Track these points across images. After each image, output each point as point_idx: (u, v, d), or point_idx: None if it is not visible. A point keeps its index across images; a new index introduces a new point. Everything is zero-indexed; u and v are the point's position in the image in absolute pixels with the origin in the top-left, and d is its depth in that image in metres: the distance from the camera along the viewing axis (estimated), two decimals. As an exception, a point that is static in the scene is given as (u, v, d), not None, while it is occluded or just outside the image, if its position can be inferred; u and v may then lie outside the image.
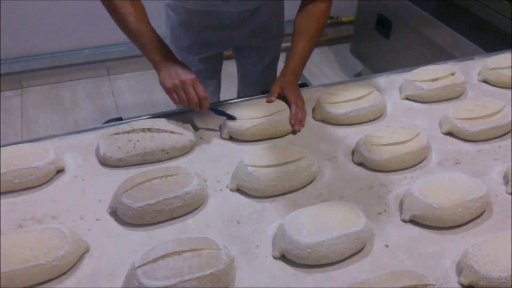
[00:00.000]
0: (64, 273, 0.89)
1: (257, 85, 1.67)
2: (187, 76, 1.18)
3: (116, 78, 3.17)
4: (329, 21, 3.55)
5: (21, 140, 1.18)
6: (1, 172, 1.03)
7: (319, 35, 1.38)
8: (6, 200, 1.04)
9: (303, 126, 1.28)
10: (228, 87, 1.93)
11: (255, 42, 1.59)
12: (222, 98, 1.62)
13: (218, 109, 1.25)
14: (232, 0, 1.36)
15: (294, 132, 1.26)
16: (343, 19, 3.60)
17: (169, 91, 1.19)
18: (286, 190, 1.07)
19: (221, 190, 1.08)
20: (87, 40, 3.06)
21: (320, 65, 3.38)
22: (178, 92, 1.18)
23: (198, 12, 1.44)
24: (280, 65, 1.51)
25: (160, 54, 1.23)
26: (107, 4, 1.23)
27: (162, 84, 1.20)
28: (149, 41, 1.23)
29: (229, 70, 1.77)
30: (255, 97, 1.38)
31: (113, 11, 1.23)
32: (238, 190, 1.08)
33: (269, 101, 1.28)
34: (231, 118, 1.22)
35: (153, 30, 1.25)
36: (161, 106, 2.89)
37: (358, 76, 3.25)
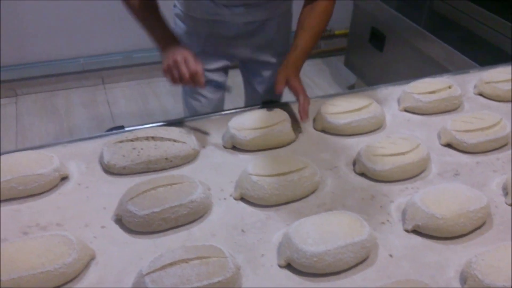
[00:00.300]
0: (71, 280, 0.89)
1: (263, 99, 1.67)
2: (179, 54, 1.18)
3: (111, 87, 3.17)
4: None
5: (16, 148, 1.18)
6: (6, 179, 1.03)
7: (321, 31, 1.40)
8: (11, 207, 1.04)
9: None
10: (236, 96, 1.92)
11: (261, 57, 1.60)
12: (229, 106, 1.62)
13: (215, 81, 1.26)
14: (237, 8, 1.38)
15: (296, 134, 1.28)
16: (336, 32, 3.65)
17: (164, 72, 1.20)
18: (290, 199, 1.08)
19: (225, 198, 1.09)
20: (83, 49, 3.07)
21: (314, 77, 3.42)
22: (172, 72, 1.18)
23: (205, 21, 1.46)
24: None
25: (163, 42, 1.29)
26: None
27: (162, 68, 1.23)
28: (153, 32, 1.32)
29: (237, 79, 1.77)
30: (258, 106, 1.39)
31: (125, 4, 1.32)
32: (242, 199, 1.09)
33: (279, 91, 1.29)
34: (228, 91, 1.27)
35: (159, 21, 1.32)
36: (156, 115, 2.90)
37: (351, 88, 3.28)
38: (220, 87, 1.61)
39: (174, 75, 1.18)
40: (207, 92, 1.61)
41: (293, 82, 1.30)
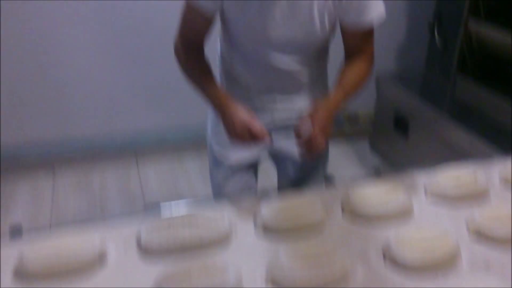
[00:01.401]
0: None
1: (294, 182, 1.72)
2: (239, 125, 1.32)
3: (143, 165, 3.29)
4: (346, 112, 3.66)
5: (51, 222, 1.24)
6: (50, 259, 1.10)
7: (356, 87, 1.46)
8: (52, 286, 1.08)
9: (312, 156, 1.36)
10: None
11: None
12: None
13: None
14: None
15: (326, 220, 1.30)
16: (360, 112, 3.68)
17: (235, 144, 1.37)
18: (320, 286, 1.10)
19: (255, 282, 1.11)
20: (117, 127, 3.23)
21: (339, 159, 3.46)
22: (242, 145, 1.36)
23: None
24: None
25: (216, 102, 1.41)
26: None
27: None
28: (205, 92, 1.43)
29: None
30: (288, 190, 1.44)
31: (179, 67, 1.46)
32: (273, 284, 1.11)
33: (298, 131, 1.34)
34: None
35: (210, 82, 1.43)
36: (185, 193, 2.97)
37: (377, 170, 3.31)
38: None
39: (244, 147, 1.36)
40: (240, 172, 1.67)
41: (315, 117, 1.33)
